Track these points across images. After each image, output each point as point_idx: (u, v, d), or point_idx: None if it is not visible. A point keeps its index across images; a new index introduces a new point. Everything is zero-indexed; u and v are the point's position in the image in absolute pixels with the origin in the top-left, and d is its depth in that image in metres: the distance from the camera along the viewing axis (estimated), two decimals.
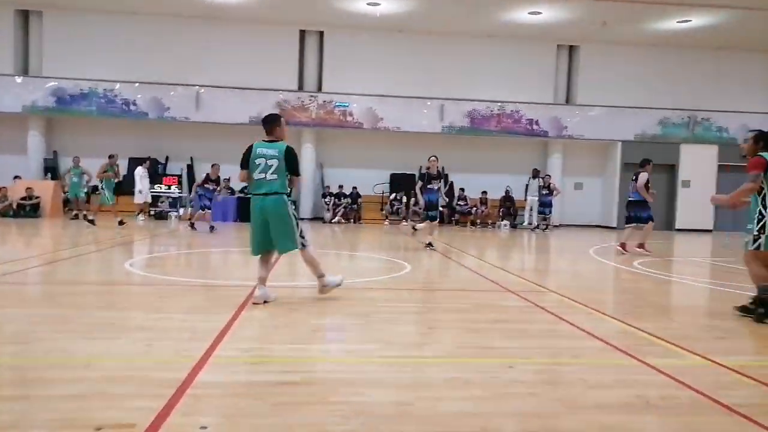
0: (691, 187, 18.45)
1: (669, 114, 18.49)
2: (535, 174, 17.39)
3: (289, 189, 5.03)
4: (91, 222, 12.69)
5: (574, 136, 18.36)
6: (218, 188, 13.35)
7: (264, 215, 4.95)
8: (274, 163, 4.92)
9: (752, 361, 3.69)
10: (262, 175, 4.94)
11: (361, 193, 17.97)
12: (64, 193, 15.79)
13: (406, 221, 17.36)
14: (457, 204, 18.18)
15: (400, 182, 18.28)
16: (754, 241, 5.00)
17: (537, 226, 16.83)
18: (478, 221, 17.78)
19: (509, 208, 17.99)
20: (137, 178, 14.57)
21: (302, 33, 18.32)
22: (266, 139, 5.10)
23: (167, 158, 18.07)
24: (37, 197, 15.30)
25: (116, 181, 13.55)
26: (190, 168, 18.05)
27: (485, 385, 3.06)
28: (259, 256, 5.14)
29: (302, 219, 14.58)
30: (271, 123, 5.15)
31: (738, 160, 18.34)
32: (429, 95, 17.98)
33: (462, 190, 18.15)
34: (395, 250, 10.54)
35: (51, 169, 17.34)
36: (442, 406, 2.77)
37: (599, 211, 19.24)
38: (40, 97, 16.92)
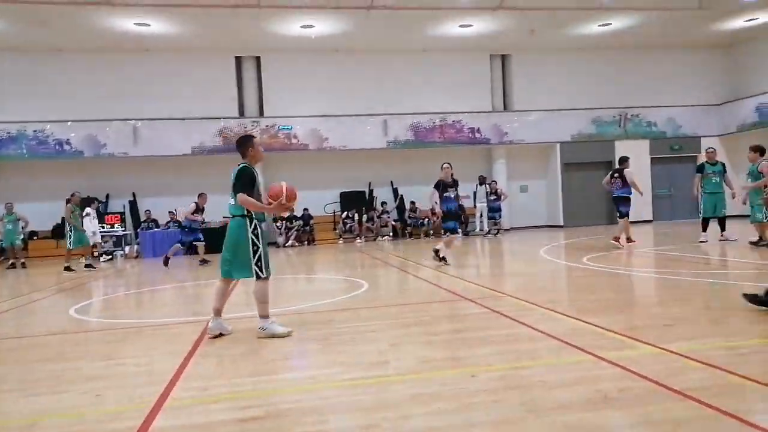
0: None
1: (601, 113, 19.31)
2: (482, 181, 17.75)
3: (248, 210, 4.80)
4: (89, 266, 12.40)
5: (515, 141, 18.90)
6: (203, 218, 12.86)
7: (227, 238, 4.90)
8: (233, 185, 4.84)
9: (699, 345, 3.86)
10: (229, 200, 4.90)
11: (312, 214, 17.86)
12: None
13: (360, 239, 17.35)
14: (408, 217, 18.33)
15: (350, 200, 18.29)
16: None
17: (489, 232, 17.15)
18: (431, 232, 17.95)
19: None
20: (87, 219, 14.03)
21: (238, 59, 18.19)
22: (239, 162, 4.99)
23: (108, 196, 17.45)
24: None
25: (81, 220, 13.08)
26: (133, 204, 17.49)
27: (450, 398, 3.07)
28: (220, 282, 4.98)
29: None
30: (240, 146, 5.05)
31: (668, 152, 19.43)
32: (371, 112, 18.14)
33: (413, 202, 18.32)
34: (351, 269, 10.50)
35: None
36: (409, 423, 2.75)
37: (545, 212, 19.81)
38: None
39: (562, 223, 19.00)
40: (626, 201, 11.21)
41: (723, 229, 11.08)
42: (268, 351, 4.40)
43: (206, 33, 16.10)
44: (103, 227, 16.30)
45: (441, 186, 9.56)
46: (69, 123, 16.61)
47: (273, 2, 14.20)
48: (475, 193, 17.97)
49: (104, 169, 17.31)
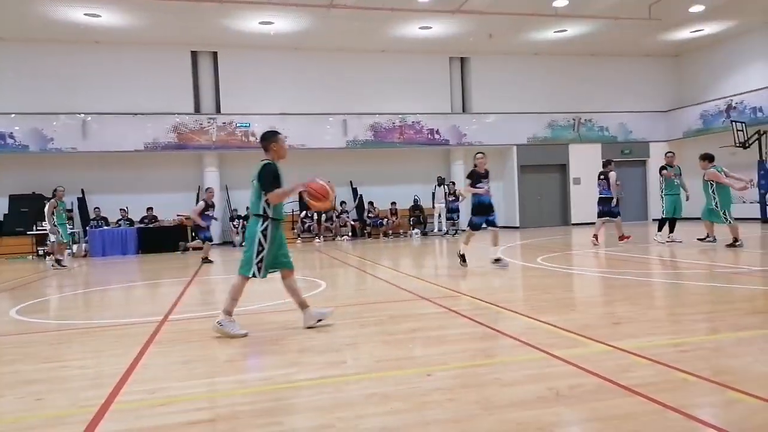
0: (582, 183, 19.82)
1: (556, 117, 19.79)
2: (440, 182, 17.92)
3: (265, 210, 4.76)
4: (58, 263, 11.90)
5: (474, 143, 19.13)
6: (212, 214, 12.35)
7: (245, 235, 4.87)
8: (254, 183, 4.81)
9: (646, 342, 3.98)
10: (251, 196, 4.88)
11: None
12: None
13: (319, 238, 17.23)
14: (368, 216, 18.32)
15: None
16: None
17: (447, 232, 17.32)
18: (390, 232, 18.01)
19: (419, 217, 18.39)
20: (48, 215, 13.46)
21: (194, 54, 17.79)
22: (261, 158, 4.93)
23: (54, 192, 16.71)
24: None
25: (67, 216, 12.65)
26: (82, 201, 16.84)
27: (405, 397, 3.06)
28: (284, 282, 4.98)
29: (212, 245, 14.02)
30: (264, 140, 5.02)
31: (619, 156, 20.09)
32: (331, 111, 18.05)
33: (371, 203, 18.31)
34: (310, 269, 10.40)
35: None
36: (363, 423, 2.73)
37: (502, 213, 20.13)
38: None
39: (518, 225, 19.37)
40: (609, 201, 11.75)
41: (672, 230, 11.54)
42: (221, 352, 4.29)
43: (161, 26, 15.66)
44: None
45: (475, 177, 8.98)
46: (12, 115, 15.85)
47: None
48: (433, 194, 18.11)
49: (51, 165, 16.59)
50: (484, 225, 8.93)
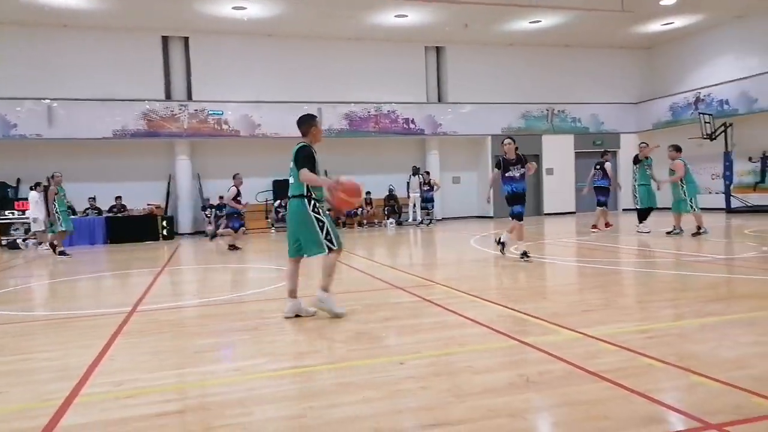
0: (555, 174, 20.08)
1: (530, 108, 19.95)
2: (415, 171, 17.93)
3: (308, 189, 4.78)
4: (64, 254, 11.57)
5: (449, 133, 19.19)
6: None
7: (289, 218, 4.93)
8: (292, 165, 4.84)
9: (613, 329, 4.06)
10: (288, 179, 4.93)
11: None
12: None
13: None
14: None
15: (284, 188, 17.94)
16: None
17: (422, 222, 17.38)
18: (365, 221, 17.98)
19: (394, 207, 18.40)
20: (32, 203, 13.12)
21: (165, 39, 17.37)
22: (298, 142, 4.96)
23: (18, 181, 16.24)
24: None
25: (68, 203, 12.32)
26: (47, 190, 16.35)
27: (377, 386, 3.07)
28: (289, 263, 5.01)
29: (181, 234, 13.77)
30: (302, 124, 5.04)
31: (591, 147, 20.37)
32: (305, 99, 17.83)
33: None
34: (284, 258, 10.31)
35: None
36: (335, 413, 2.73)
37: (476, 203, 20.29)
38: None
39: (492, 215, 19.54)
40: (605, 191, 12.30)
41: (641, 221, 11.77)
42: (191, 343, 4.24)
43: (130, 10, 15.23)
44: (13, 213, 15.21)
45: (502, 164, 8.10)
46: None
47: None
48: (408, 184, 18.13)
49: (14, 152, 16.07)
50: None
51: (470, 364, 3.42)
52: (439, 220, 18.57)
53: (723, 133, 17.05)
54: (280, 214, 17.37)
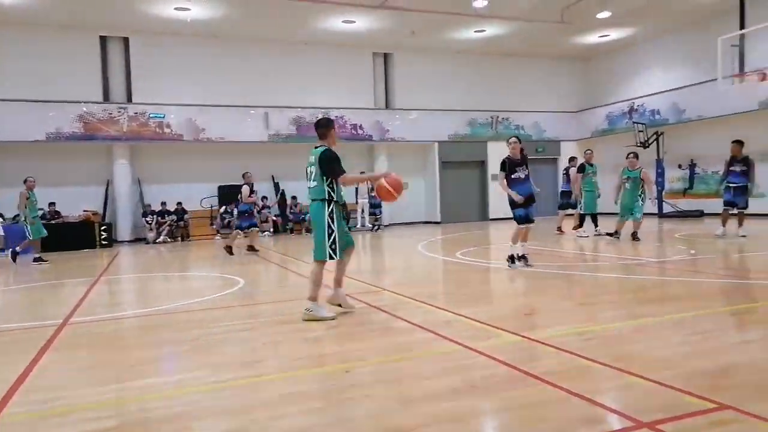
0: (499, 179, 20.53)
1: (476, 115, 20.37)
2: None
3: (329, 194, 4.93)
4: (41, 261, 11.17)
5: (396, 139, 19.33)
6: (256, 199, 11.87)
7: (311, 221, 5.06)
8: (314, 169, 4.95)
9: (554, 332, 4.17)
10: (308, 183, 5.05)
11: (187, 209, 16.93)
12: None
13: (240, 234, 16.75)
14: (290, 212, 18.05)
15: (229, 194, 17.60)
16: None
17: (373, 227, 17.40)
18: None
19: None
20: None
21: (103, 39, 16.70)
22: (316, 145, 5.08)
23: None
24: None
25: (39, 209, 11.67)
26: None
27: (323, 395, 3.03)
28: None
29: (120, 242, 13.18)
30: (321, 127, 5.13)
31: (534, 154, 20.98)
32: (252, 103, 17.57)
33: (294, 197, 18.06)
34: (228, 266, 10.09)
35: None
36: (279, 424, 2.67)
37: (424, 208, 20.51)
38: None
39: (439, 220, 19.80)
40: (568, 195, 12.84)
41: (581, 225, 12.20)
42: (129, 356, 4.06)
43: (66, 7, 14.54)
44: None
45: (508, 165, 7.71)
46: None
47: None
48: (356, 189, 18.12)
49: None
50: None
51: (416, 370, 3.43)
52: (387, 225, 18.65)
53: (655, 142, 17.95)
54: (226, 220, 16.99)
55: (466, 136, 20.18)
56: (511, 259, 7.68)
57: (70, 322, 5.26)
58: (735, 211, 10.57)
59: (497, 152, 20.61)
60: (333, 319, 4.86)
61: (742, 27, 13.27)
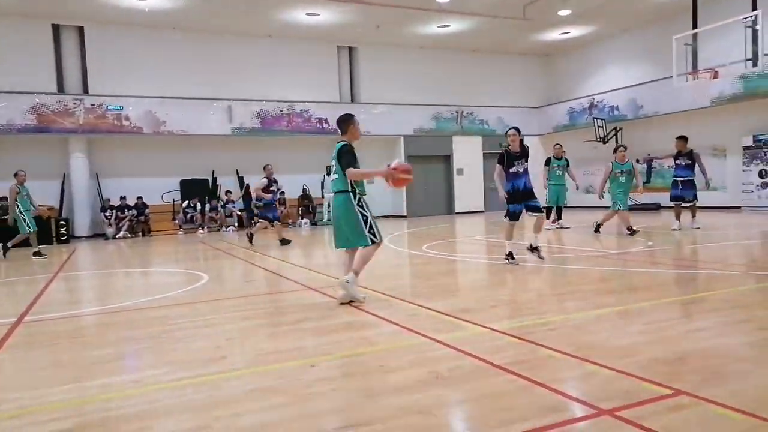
0: (464, 174, 20.76)
1: (441, 110, 20.49)
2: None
3: (352, 185, 5.13)
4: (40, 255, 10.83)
5: (363, 133, 19.19)
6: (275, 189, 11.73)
7: (335, 213, 5.25)
8: (334, 163, 5.18)
9: (517, 323, 4.24)
10: (331, 176, 5.30)
11: (147, 203, 16.52)
12: None
13: (203, 229, 16.47)
14: (254, 206, 17.79)
15: (192, 188, 17.26)
16: None
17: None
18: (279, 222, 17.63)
19: (308, 206, 18.21)
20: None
21: (56, 28, 16.09)
22: (338, 140, 5.29)
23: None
24: None
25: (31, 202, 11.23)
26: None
27: (287, 390, 3.00)
28: (344, 250, 5.37)
29: (78, 237, 12.80)
30: (342, 123, 5.36)
31: (498, 149, 21.23)
32: (215, 96, 17.24)
33: None
34: (192, 261, 9.90)
35: None
36: (242, 421, 2.63)
37: (391, 202, 20.54)
38: None
39: (405, 214, 19.87)
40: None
41: (559, 217, 12.45)
42: (87, 354, 3.94)
43: None
44: None
45: (505, 158, 7.34)
46: None
47: None
48: (322, 183, 18.02)
49: None
50: (529, 212, 7.47)
51: (382, 363, 3.43)
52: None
53: (614, 137, 18.41)
54: (189, 215, 16.65)
55: (432, 131, 20.28)
56: (511, 255, 7.36)
57: (24, 321, 5.07)
58: (687, 204, 10.88)
59: (462, 146, 20.84)
60: (363, 301, 5.11)
61: (695, 26, 13.69)
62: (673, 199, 10.99)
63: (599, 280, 6.12)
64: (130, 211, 16.12)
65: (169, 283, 7.40)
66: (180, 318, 4.97)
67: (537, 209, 7.32)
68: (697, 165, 10.82)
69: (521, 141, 7.36)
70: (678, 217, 10.91)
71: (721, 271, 6.39)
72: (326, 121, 18.64)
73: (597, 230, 10.86)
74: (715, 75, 13.12)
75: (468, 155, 20.81)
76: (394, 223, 17.39)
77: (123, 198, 16.18)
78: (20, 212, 10.92)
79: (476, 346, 3.64)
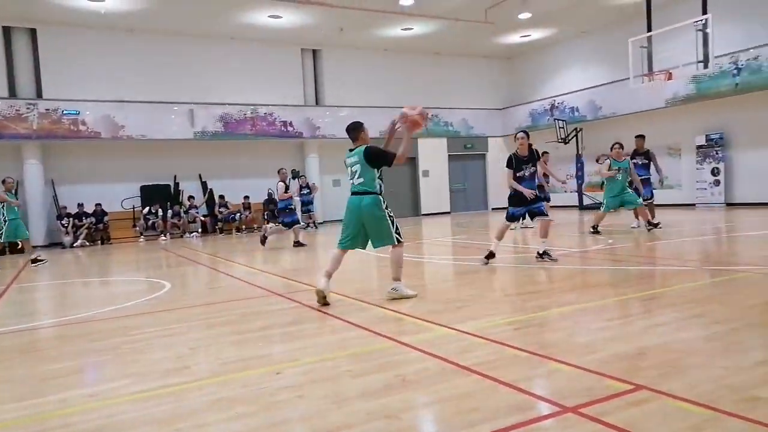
0: (430, 176, 20.91)
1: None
2: (295, 174, 17.67)
3: (380, 187, 5.37)
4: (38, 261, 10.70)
5: (327, 136, 19.19)
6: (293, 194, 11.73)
7: (359, 214, 5.35)
8: (357, 168, 5.38)
9: (483, 324, 4.28)
10: (352, 181, 5.48)
11: (107, 210, 16.08)
12: None
13: (165, 236, 16.11)
14: (219, 211, 17.53)
15: (153, 194, 16.86)
16: None
17: (308, 226, 17.18)
18: (244, 227, 17.42)
19: (273, 211, 17.98)
20: None
21: (6, 30, 15.53)
22: (351, 148, 5.58)
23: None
24: None
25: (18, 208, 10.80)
26: None
27: (252, 399, 2.95)
28: (338, 252, 5.46)
29: (34, 247, 12.32)
30: (352, 131, 5.66)
31: (462, 150, 21.49)
32: (175, 99, 16.91)
33: (222, 197, 17.56)
34: (154, 269, 9.67)
35: None
36: None
37: None
38: None
39: None
40: (540, 189, 12.92)
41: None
42: (42, 369, 3.79)
43: None
44: None
45: (514, 162, 7.30)
46: None
47: None
48: (287, 188, 17.83)
49: None
50: (534, 217, 7.49)
51: (348, 368, 3.41)
52: (321, 223, 18.51)
53: (575, 137, 18.84)
54: (150, 221, 16.27)
55: (397, 133, 20.31)
56: (492, 255, 7.32)
57: None
58: (644, 202, 11.09)
59: (428, 149, 20.98)
60: (415, 296, 5.34)
61: (649, 29, 14.14)
62: None
63: (562, 279, 6.23)
64: (88, 219, 15.67)
65: (130, 292, 7.20)
66: (141, 328, 4.84)
67: (541, 213, 7.32)
68: (652, 164, 11.15)
69: (530, 145, 7.28)
70: (636, 216, 11.19)
71: (677, 267, 6.59)
72: (291, 125, 18.51)
73: (595, 232, 10.54)
74: (670, 76, 13.56)
75: (433, 157, 20.96)
76: None
77: (80, 205, 15.71)
78: (6, 221, 10.52)
79: (442, 347, 3.65)
